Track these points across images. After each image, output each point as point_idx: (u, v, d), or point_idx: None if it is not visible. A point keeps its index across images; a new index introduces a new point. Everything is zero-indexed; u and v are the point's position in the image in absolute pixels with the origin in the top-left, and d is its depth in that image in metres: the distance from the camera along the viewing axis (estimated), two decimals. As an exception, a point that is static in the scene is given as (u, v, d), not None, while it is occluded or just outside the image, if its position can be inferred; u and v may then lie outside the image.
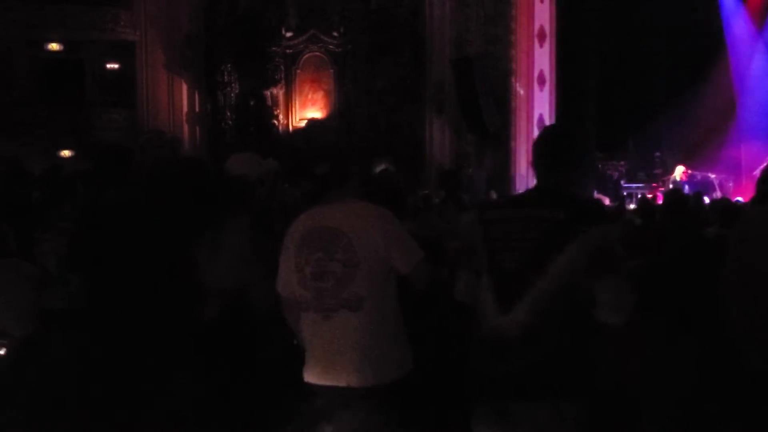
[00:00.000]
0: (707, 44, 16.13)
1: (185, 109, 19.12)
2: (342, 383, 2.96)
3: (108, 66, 20.24)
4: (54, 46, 19.72)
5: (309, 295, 3.04)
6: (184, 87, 18.99)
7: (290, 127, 17.63)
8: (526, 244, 2.57)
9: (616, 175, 16.75)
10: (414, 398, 3.06)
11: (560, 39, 15.58)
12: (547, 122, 15.34)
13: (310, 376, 3.09)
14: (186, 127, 19.12)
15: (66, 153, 19.07)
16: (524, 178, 15.37)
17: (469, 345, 2.70)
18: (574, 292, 2.48)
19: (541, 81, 15.63)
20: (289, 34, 17.29)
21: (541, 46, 15.55)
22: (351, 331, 2.96)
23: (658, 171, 16.25)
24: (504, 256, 2.61)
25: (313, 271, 3.01)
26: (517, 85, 15.55)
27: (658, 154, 16.67)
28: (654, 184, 16.08)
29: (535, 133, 15.59)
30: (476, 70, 14.53)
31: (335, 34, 16.89)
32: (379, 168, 14.60)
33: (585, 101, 15.62)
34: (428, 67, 16.01)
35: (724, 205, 7.07)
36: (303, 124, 17.34)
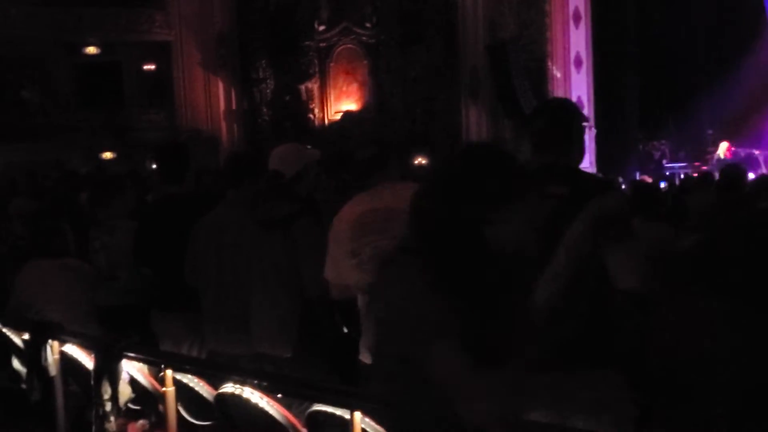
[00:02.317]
0: (748, 18, 15.76)
1: (222, 106, 19.31)
2: None
3: (145, 67, 20.51)
4: (91, 50, 20.02)
5: (368, 278, 3.03)
6: (221, 85, 19.18)
7: (326, 121, 17.69)
8: (537, 222, 2.52)
9: (657, 154, 16.50)
10: None
11: (596, 19, 15.36)
12: (585, 104, 15.15)
13: (367, 356, 3.12)
14: (224, 125, 19.32)
15: (107, 155, 19.37)
16: (563, 161, 15.22)
17: None
18: (589, 265, 2.44)
19: (578, 63, 15.43)
20: (321, 28, 17.33)
21: (576, 27, 15.34)
22: None
23: (711, 149, 15.86)
24: None
25: (372, 254, 3.03)
26: (554, 68, 15.37)
27: (710, 132, 16.32)
28: (696, 163, 15.81)
29: (574, 116, 15.43)
30: (511, 54, 14.41)
31: (367, 25, 16.88)
32: (416, 160, 14.62)
33: (624, 81, 15.40)
34: (462, 54, 15.92)
35: (769, 181, 6.89)
36: (338, 116, 17.39)
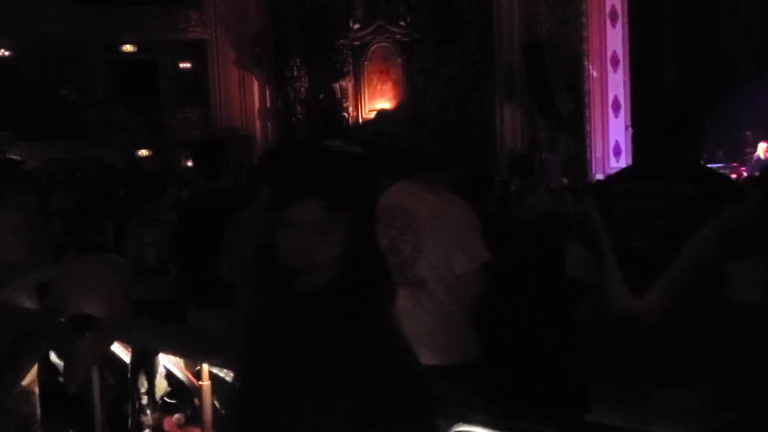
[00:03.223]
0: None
1: (257, 105, 19.43)
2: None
3: (181, 65, 20.71)
4: (128, 48, 20.27)
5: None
6: (255, 83, 19.29)
7: (360, 119, 17.70)
8: (660, 221, 2.33)
9: (694, 155, 16.20)
10: (491, 381, 3.04)
11: (633, 18, 15.19)
12: (622, 104, 14.97)
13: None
14: (258, 123, 19.43)
15: (143, 152, 19.60)
16: (600, 162, 15.06)
17: (587, 326, 2.54)
18: (706, 273, 2.25)
19: (615, 62, 15.26)
20: (356, 26, 17.34)
21: (613, 26, 15.18)
22: (418, 309, 3.01)
23: (750, 150, 15.55)
24: (633, 234, 2.38)
25: (387, 246, 3.04)
26: (590, 67, 15.22)
27: (749, 133, 16.02)
28: (735, 164, 15.52)
29: (611, 115, 15.26)
30: (546, 53, 14.29)
31: (402, 23, 16.85)
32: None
33: (660, 81, 15.19)
34: (497, 53, 15.82)
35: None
36: (372, 115, 17.39)
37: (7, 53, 18.42)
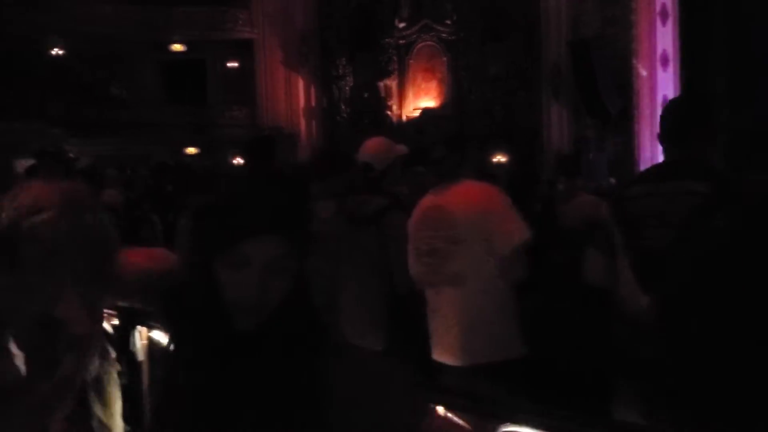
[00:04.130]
0: None
1: (302, 103, 19.56)
2: (449, 360, 3.02)
3: (228, 65, 20.97)
4: (178, 47, 20.59)
5: (423, 272, 3.13)
6: (301, 82, 19.43)
7: (404, 118, 17.70)
8: (673, 219, 2.31)
9: (746, 157, 15.89)
10: (528, 378, 3.01)
11: (684, 16, 14.91)
12: (672, 104, 14.71)
13: (437, 354, 3.15)
14: (302, 122, 19.57)
15: (190, 150, 19.89)
16: (649, 162, 14.81)
17: (611, 326, 2.57)
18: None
19: (665, 61, 15.01)
20: (401, 25, 17.35)
21: (663, 24, 14.92)
22: (455, 307, 3.01)
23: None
24: (646, 233, 2.42)
25: (424, 249, 3.10)
26: (639, 66, 14.99)
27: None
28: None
29: (659, 114, 15.02)
30: (594, 52, 14.11)
31: (448, 22, 16.81)
32: (494, 158, 14.48)
33: (712, 80, 14.88)
34: (543, 51, 15.69)
35: None
36: (416, 113, 17.38)
37: (61, 52, 18.84)
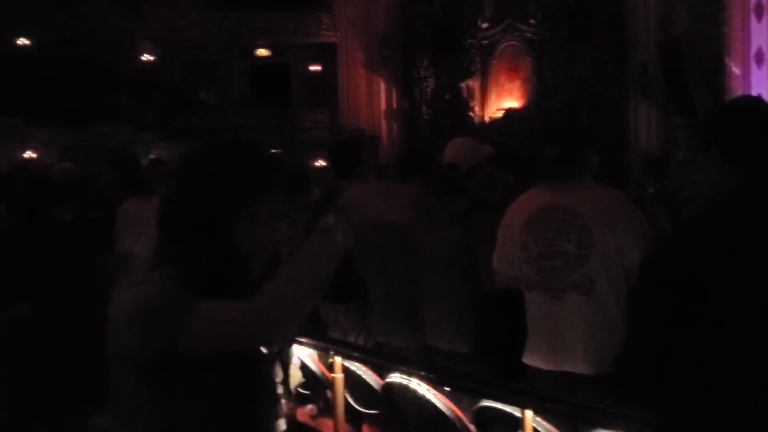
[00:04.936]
0: None
1: (383, 106, 19.64)
2: (565, 368, 2.88)
3: (311, 68, 21.26)
4: (262, 52, 21.02)
5: (535, 275, 2.97)
6: (382, 85, 19.51)
7: (486, 119, 17.56)
8: None
9: None
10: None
11: (781, 11, 14.29)
12: (768, 102, 14.10)
13: (530, 358, 3.02)
14: (384, 124, 19.64)
15: (274, 152, 20.23)
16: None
17: None
18: None
19: (759, 59, 14.40)
20: (485, 26, 17.22)
21: (758, 20, 14.32)
22: (579, 314, 2.86)
23: None
24: None
25: (542, 251, 2.93)
26: (732, 64, 14.44)
27: None
28: None
29: (754, 114, 14.43)
30: (684, 50, 13.66)
31: (532, 21, 16.59)
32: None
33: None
34: (631, 50, 15.29)
35: None
36: (500, 114, 17.21)
37: (151, 58, 19.47)
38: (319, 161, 16.70)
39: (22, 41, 17.48)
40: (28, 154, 17.10)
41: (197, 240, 1.54)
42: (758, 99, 2.19)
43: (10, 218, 6.11)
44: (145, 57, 19.42)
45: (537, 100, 16.68)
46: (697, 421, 1.81)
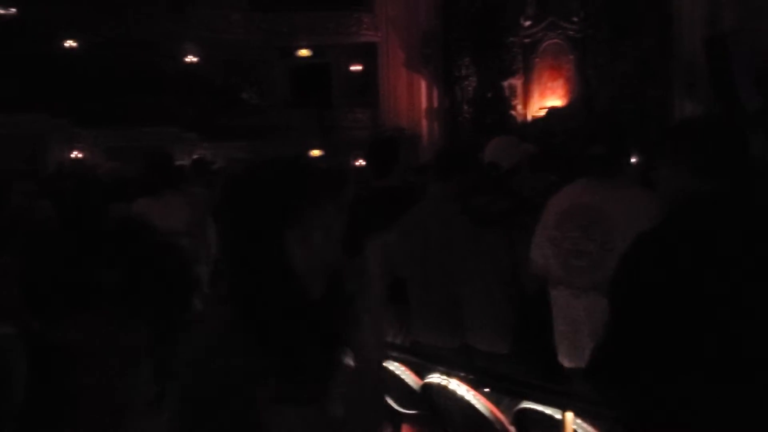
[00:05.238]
0: None
1: (424, 105, 19.62)
2: (583, 366, 2.87)
3: (352, 68, 21.33)
4: (303, 52, 21.15)
5: (561, 272, 3.00)
6: (423, 84, 19.49)
7: (528, 117, 17.42)
8: None
9: None
10: None
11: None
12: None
13: (561, 357, 3.06)
14: (424, 123, 19.63)
15: (315, 152, 20.34)
16: (791, 162, 13.94)
17: None
18: None
19: (812, 54, 14.06)
20: (527, 23, 17.09)
21: (813, 14, 13.98)
22: (596, 314, 2.85)
23: None
24: None
25: (569, 248, 2.96)
26: (784, 60, 14.10)
27: None
28: None
29: (806, 112, 14.10)
30: (732, 47, 13.40)
31: (575, 19, 16.41)
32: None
33: None
34: (677, 48, 15.02)
35: None
36: (542, 113, 17.06)
37: (194, 59, 19.72)
38: (360, 161, 16.75)
39: (68, 43, 17.85)
40: (75, 154, 17.45)
41: (250, 257, 1.50)
42: (717, 115, 2.34)
43: (57, 216, 6.25)
44: (189, 58, 19.68)
45: (580, 99, 16.50)
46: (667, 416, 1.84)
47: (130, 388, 1.42)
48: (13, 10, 16.60)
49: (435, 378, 3.05)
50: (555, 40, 16.83)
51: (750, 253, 1.78)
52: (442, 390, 3.00)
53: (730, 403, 1.75)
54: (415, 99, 19.76)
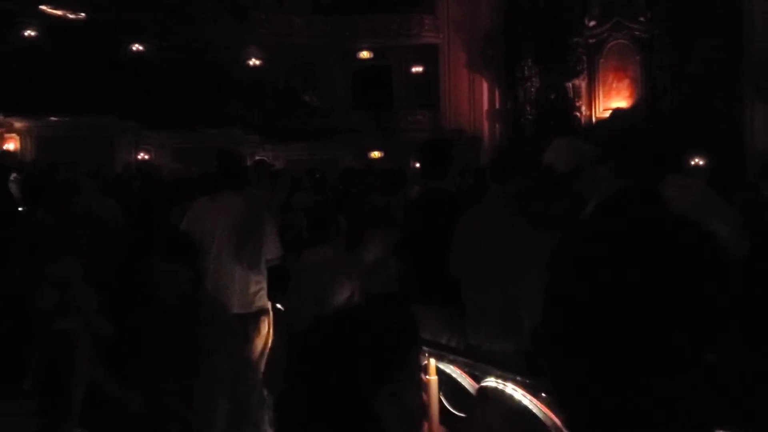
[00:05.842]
0: None
1: (485, 106, 19.50)
2: None
3: (413, 70, 21.32)
4: (365, 54, 21.23)
5: None
6: (485, 85, 19.37)
7: (593, 119, 17.14)
8: None
9: None
10: None
11: None
12: None
13: None
14: (486, 125, 19.50)
15: (375, 154, 20.40)
16: None
17: None
18: None
19: None
20: (592, 24, 16.83)
21: None
22: None
23: None
24: None
25: None
26: None
27: None
28: None
29: None
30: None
31: (641, 19, 16.10)
32: (692, 161, 13.64)
33: None
34: (747, 47, 14.58)
35: None
36: (607, 114, 16.77)
37: (258, 62, 20.00)
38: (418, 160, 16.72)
39: (136, 47, 18.30)
40: (142, 155, 17.87)
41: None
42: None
43: (123, 215, 6.41)
44: (253, 61, 19.96)
45: (646, 100, 16.17)
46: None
47: None
48: (83, 15, 17.11)
49: (491, 382, 3.01)
50: (620, 41, 16.53)
51: (653, 246, 1.77)
52: (499, 394, 2.96)
53: (653, 396, 1.72)
54: (476, 100, 19.66)
